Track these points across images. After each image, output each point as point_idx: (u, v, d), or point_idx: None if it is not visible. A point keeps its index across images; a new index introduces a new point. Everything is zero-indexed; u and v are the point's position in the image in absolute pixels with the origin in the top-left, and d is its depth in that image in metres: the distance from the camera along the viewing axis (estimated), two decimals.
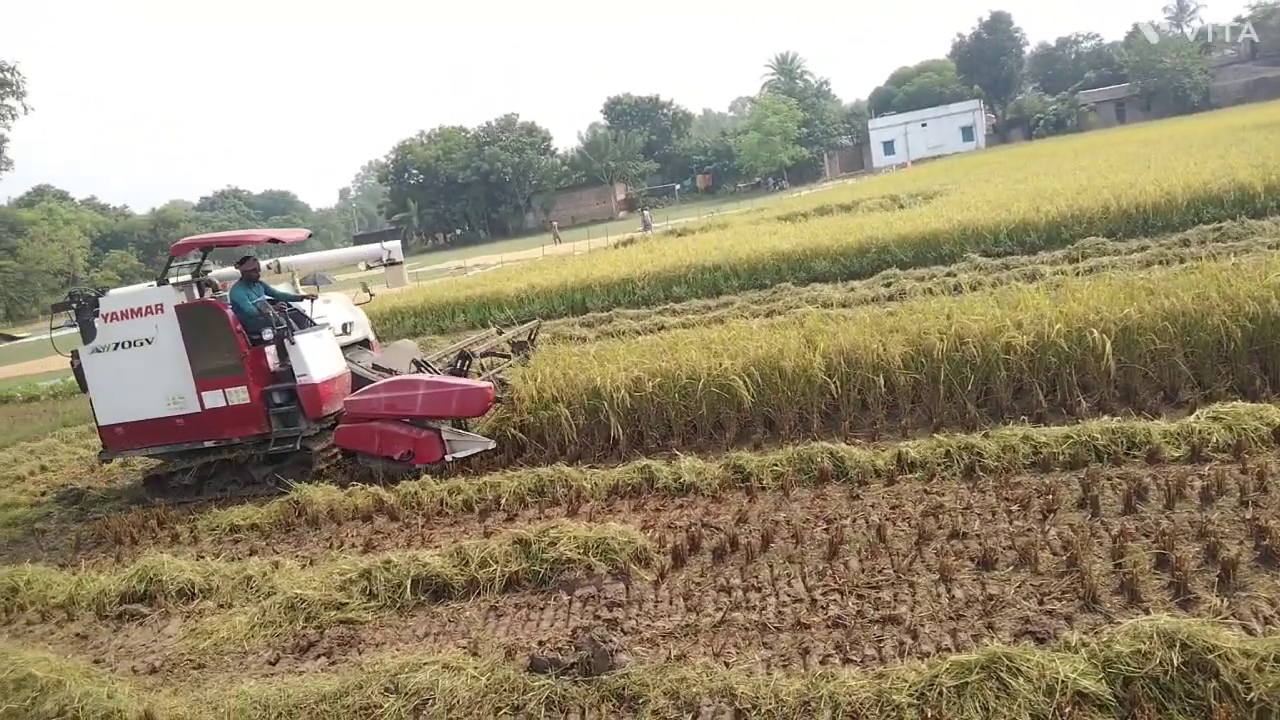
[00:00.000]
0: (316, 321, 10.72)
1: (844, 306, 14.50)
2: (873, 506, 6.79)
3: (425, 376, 9.51)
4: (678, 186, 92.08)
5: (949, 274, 16.25)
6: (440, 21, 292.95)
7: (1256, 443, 6.59)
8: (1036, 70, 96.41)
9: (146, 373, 10.05)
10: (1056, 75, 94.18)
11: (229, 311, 9.86)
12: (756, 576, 6.01)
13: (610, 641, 5.08)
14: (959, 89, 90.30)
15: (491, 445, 9.54)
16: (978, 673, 4.20)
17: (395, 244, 14.26)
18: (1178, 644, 4.11)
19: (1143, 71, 79.05)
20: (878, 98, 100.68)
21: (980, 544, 5.82)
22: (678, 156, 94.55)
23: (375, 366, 11.03)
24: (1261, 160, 19.47)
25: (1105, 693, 4.03)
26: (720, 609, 5.66)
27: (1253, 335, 7.95)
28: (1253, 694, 3.86)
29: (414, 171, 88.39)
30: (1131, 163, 26.43)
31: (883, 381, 8.67)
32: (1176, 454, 6.68)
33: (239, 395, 9.84)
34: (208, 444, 10.18)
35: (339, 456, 10.32)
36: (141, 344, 10.02)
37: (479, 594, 6.45)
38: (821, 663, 4.86)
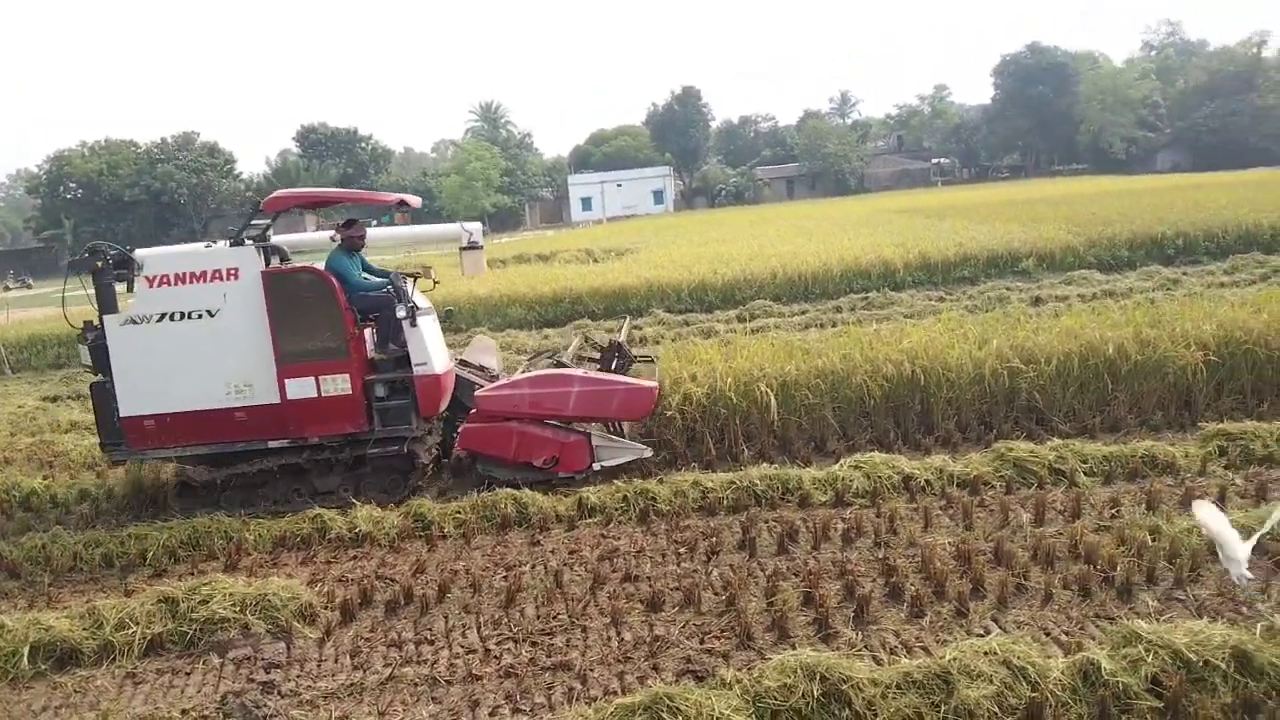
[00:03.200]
0: (420, 305, 8.79)
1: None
2: (552, 552, 6.84)
3: (579, 372, 8.46)
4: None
5: (635, 327, 16.99)
6: (110, 23, 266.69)
7: (889, 489, 7.40)
8: (720, 144, 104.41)
9: (203, 352, 8.02)
10: (738, 150, 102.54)
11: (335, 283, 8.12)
12: (430, 628, 5.83)
13: (264, 706, 4.69)
14: (652, 154, 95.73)
15: (648, 453, 8.55)
16: (640, 714, 4.30)
17: (476, 225, 12.32)
18: (818, 676, 4.45)
19: (810, 154, 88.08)
20: (577, 155, 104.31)
21: (650, 586, 6.02)
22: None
23: (463, 362, 9.50)
24: (902, 240, 22.26)
25: None
26: (389, 664, 5.41)
27: (889, 393, 8.96)
28: (879, 719, 4.25)
29: (71, 185, 79.02)
30: (797, 235, 29.20)
31: None
32: (824, 499, 7.34)
33: (338, 384, 8.02)
34: (273, 444, 8.23)
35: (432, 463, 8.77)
36: (201, 316, 7.99)
37: (114, 659, 5.71)
38: (491, 715, 4.78)
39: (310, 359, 8.02)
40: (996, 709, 4.24)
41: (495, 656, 5.38)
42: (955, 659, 4.52)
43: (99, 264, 8.23)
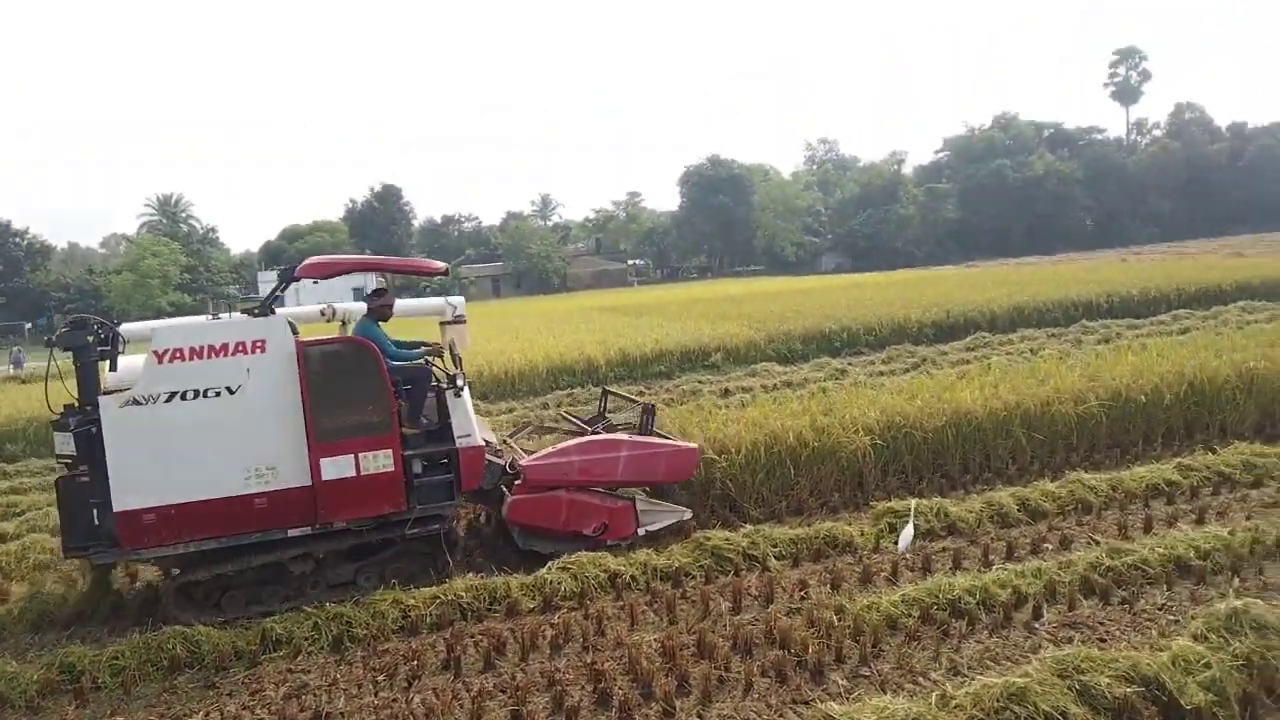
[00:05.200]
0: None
1: None
2: (230, 695, 6.12)
3: (625, 436, 8.48)
4: (29, 325, 79.73)
5: None
6: None
7: (596, 589, 7.36)
8: (424, 242, 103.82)
9: (220, 433, 7.15)
10: (443, 249, 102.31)
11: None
12: None
13: None
14: (351, 251, 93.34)
15: (688, 514, 8.66)
16: None
17: (460, 299, 10.17)
18: None
19: (514, 254, 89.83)
20: (269, 251, 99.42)
21: None
22: (32, 292, 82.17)
23: None
24: (604, 338, 22.97)
25: None
26: None
27: None
28: None
29: None
30: (504, 333, 29.30)
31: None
32: (532, 605, 7.16)
33: (379, 461, 7.38)
34: (293, 534, 7.34)
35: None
36: (219, 393, 7.13)
37: None
38: None
39: (350, 435, 7.41)
40: None
41: None
42: None
43: (88, 339, 7.36)
